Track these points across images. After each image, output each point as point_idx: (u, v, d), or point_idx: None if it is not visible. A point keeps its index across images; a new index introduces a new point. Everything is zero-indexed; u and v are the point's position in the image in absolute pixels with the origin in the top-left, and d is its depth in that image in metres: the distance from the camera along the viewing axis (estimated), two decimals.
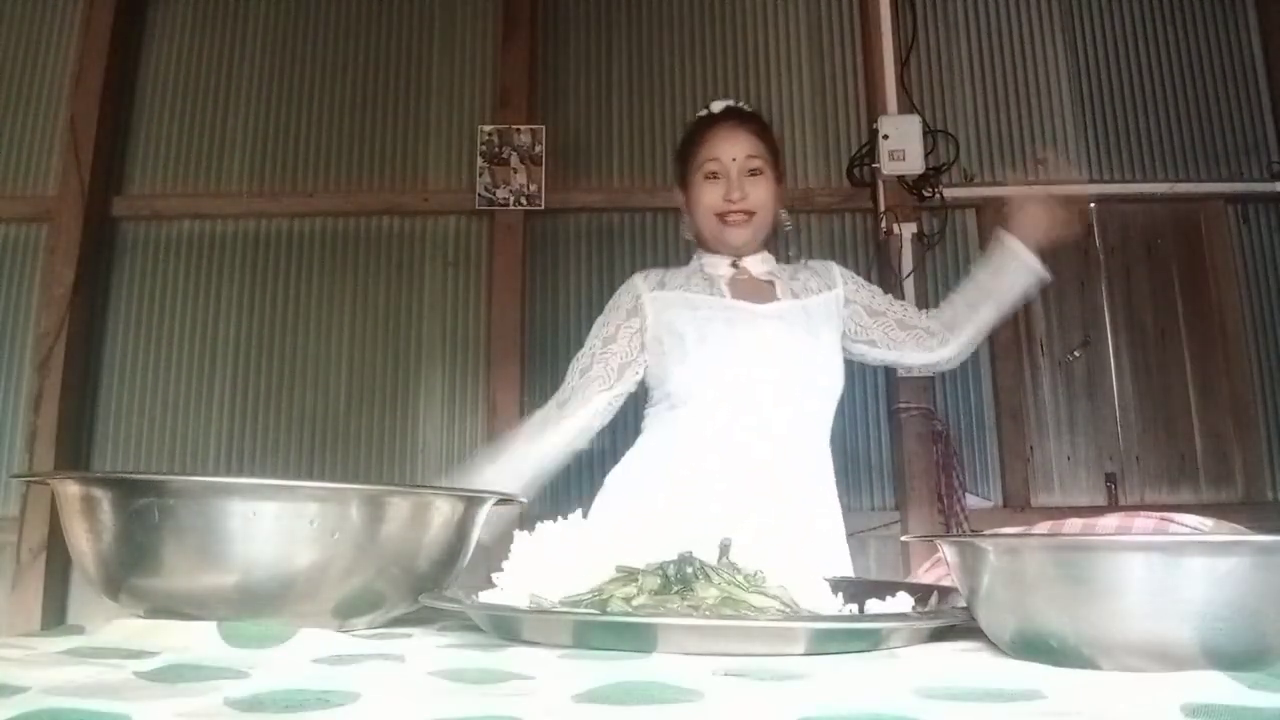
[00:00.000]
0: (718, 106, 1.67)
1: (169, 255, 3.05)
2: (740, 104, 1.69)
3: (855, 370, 2.85)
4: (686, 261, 1.69)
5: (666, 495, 1.47)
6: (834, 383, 1.58)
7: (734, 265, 1.63)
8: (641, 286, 1.61)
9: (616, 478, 1.57)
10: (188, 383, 2.96)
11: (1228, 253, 2.95)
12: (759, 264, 1.63)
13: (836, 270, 1.68)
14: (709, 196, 1.58)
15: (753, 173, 1.57)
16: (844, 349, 1.63)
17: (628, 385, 1.57)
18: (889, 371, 2.83)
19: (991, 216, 3.00)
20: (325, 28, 3.19)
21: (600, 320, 1.62)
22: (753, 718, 0.44)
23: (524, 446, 1.52)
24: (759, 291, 1.60)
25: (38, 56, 3.16)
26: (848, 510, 2.71)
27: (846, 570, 1.56)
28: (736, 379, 1.51)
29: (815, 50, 3.15)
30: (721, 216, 1.57)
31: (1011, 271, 1.65)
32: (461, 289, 3.02)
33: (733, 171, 1.56)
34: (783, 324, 1.55)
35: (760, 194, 1.58)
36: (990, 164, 3.05)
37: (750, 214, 1.57)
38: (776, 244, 1.69)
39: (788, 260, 1.71)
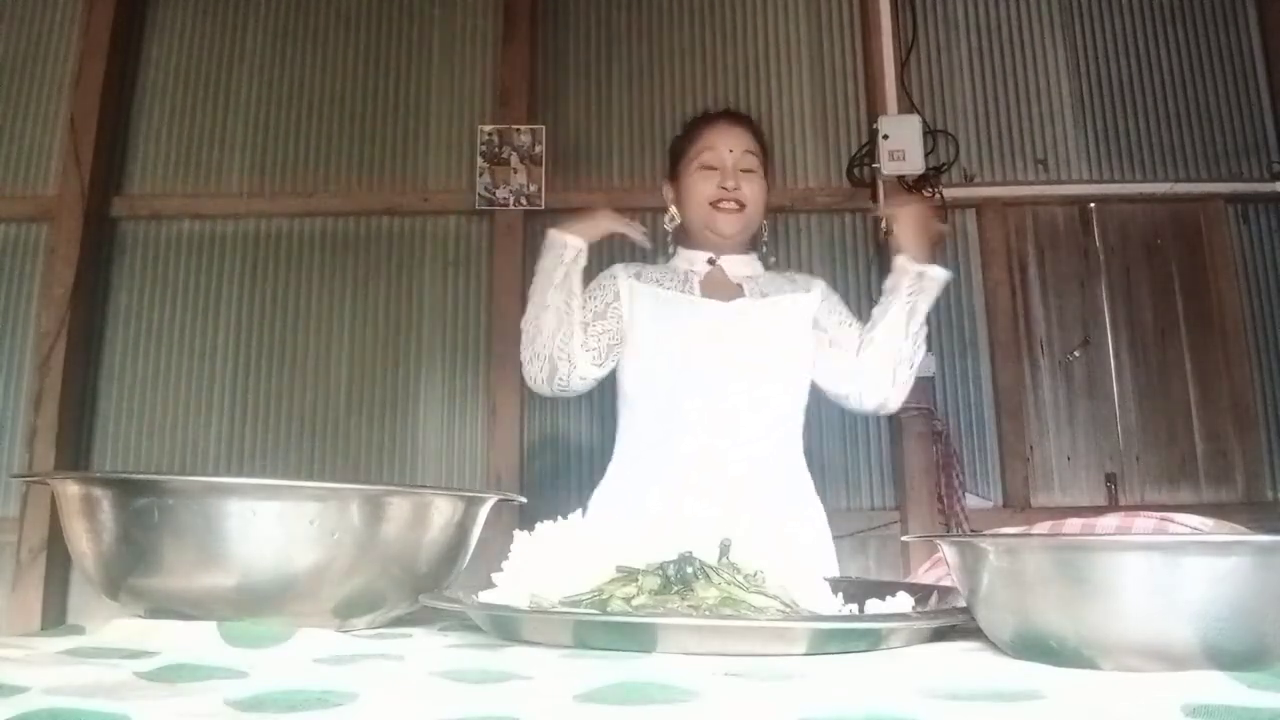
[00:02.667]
0: (716, 109, 1.70)
1: (169, 255, 3.05)
2: (738, 110, 1.72)
3: None
4: (664, 258, 1.70)
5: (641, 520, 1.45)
6: (793, 378, 1.57)
7: (711, 262, 1.63)
8: (620, 274, 1.62)
9: (597, 502, 1.55)
10: (188, 383, 2.96)
11: (1228, 253, 2.95)
12: (738, 265, 1.63)
13: (821, 285, 1.66)
14: (703, 186, 1.58)
15: (747, 170, 1.58)
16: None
17: (607, 369, 1.58)
18: None
19: (991, 216, 3.01)
20: (325, 27, 3.19)
21: (585, 293, 1.61)
22: (753, 718, 0.44)
23: (559, 322, 1.52)
24: (729, 291, 1.60)
25: (38, 56, 3.16)
26: (847, 510, 2.77)
27: (831, 569, 1.55)
28: (688, 377, 1.51)
29: (815, 50, 3.15)
30: (715, 204, 1.57)
31: (901, 287, 1.55)
32: (461, 289, 3.02)
33: (729, 163, 1.58)
34: (743, 320, 1.56)
35: (753, 190, 1.59)
36: (990, 164, 3.05)
37: (742, 205, 1.57)
38: (762, 248, 1.69)
39: (773, 268, 1.71)
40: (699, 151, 1.60)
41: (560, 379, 1.53)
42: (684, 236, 1.66)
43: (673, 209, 1.65)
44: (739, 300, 1.58)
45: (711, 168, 1.58)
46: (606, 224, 1.60)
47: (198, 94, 3.15)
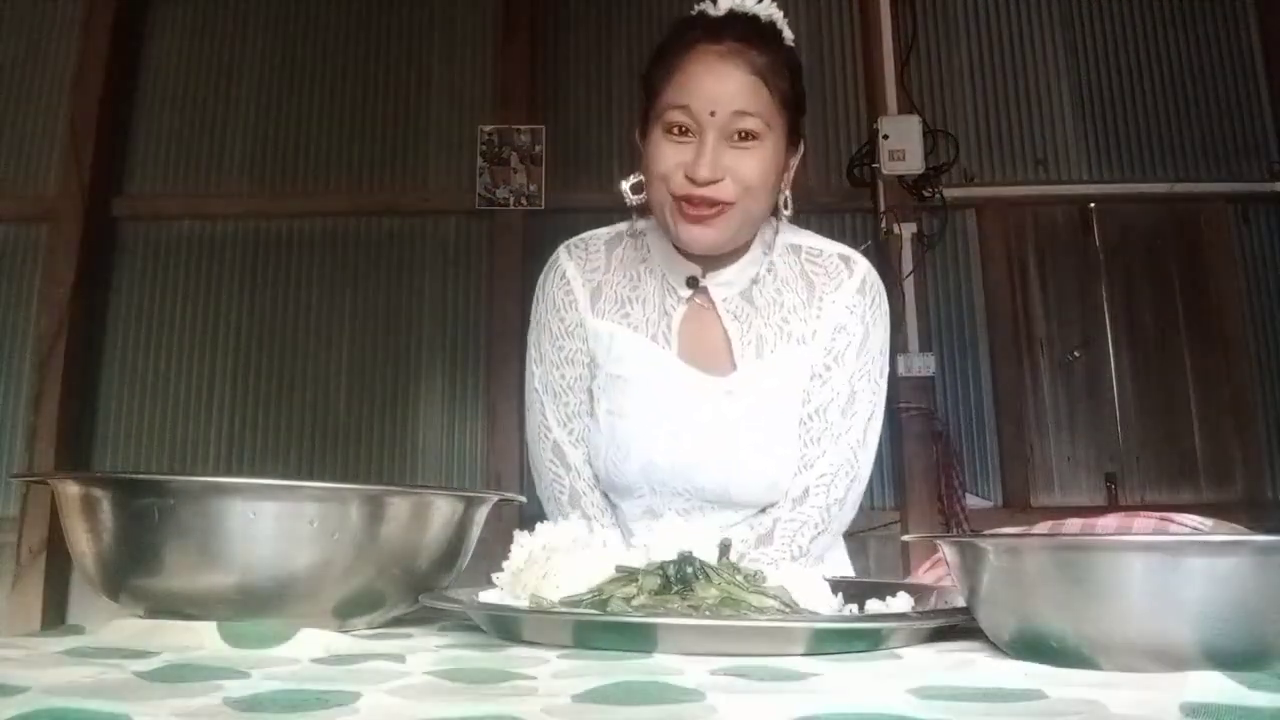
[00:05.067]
0: (723, 5, 1.06)
1: (169, 255, 3.05)
2: (755, 9, 1.09)
3: None
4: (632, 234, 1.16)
5: None
6: (790, 461, 1.12)
7: (692, 282, 1.11)
8: (577, 289, 1.14)
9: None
10: (188, 383, 2.96)
11: (1228, 253, 2.95)
12: (730, 286, 1.12)
13: (845, 299, 1.14)
14: (665, 162, 1.01)
15: (744, 137, 1.01)
16: None
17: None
18: (889, 371, 2.82)
19: (991, 216, 3.01)
20: (325, 28, 3.19)
21: (546, 356, 1.15)
22: (753, 718, 0.44)
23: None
24: (714, 350, 1.11)
25: (38, 56, 3.16)
26: None
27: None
28: (652, 467, 1.09)
29: (815, 50, 3.15)
30: (680, 203, 1.01)
31: None
32: (461, 289, 3.02)
33: (709, 133, 0.99)
34: (728, 405, 1.09)
35: (749, 171, 1.01)
36: (990, 164, 3.05)
37: (724, 205, 1.01)
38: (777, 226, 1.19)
39: (784, 254, 1.19)
40: (668, 104, 1.01)
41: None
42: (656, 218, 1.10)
43: (635, 177, 1.08)
44: (728, 376, 1.10)
45: (684, 132, 1.00)
46: None
47: (198, 94, 3.15)
